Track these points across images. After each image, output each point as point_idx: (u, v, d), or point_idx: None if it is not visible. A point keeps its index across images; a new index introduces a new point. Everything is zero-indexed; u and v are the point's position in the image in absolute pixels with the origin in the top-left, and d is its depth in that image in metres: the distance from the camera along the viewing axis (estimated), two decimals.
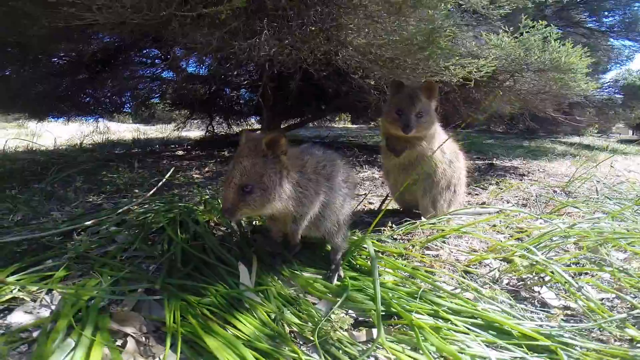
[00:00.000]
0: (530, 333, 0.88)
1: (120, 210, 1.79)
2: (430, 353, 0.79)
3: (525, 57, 2.49)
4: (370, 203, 2.41)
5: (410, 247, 1.48)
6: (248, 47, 1.77)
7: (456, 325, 0.89)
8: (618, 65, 7.56)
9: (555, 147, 6.12)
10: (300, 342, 0.85)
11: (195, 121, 6.55)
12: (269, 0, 1.57)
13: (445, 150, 1.87)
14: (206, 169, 3.47)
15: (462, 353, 0.82)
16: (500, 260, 1.43)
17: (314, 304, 1.00)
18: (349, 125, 11.72)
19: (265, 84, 3.34)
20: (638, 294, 1.14)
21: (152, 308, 0.94)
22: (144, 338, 0.81)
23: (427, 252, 1.51)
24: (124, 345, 0.75)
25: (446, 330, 0.86)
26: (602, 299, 1.15)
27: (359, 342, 0.84)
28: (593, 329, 0.97)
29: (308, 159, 1.16)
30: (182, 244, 1.22)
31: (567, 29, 6.12)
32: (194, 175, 3.18)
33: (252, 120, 6.82)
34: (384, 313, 0.94)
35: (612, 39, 6.97)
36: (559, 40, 2.43)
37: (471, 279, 1.26)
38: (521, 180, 3.22)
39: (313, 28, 1.78)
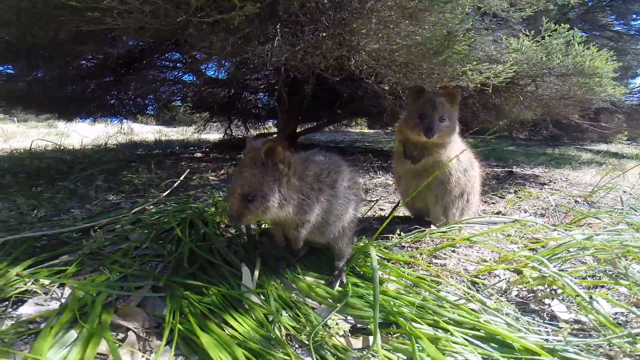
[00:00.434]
0: (533, 347, 0.84)
1: (135, 210, 1.85)
2: None
3: (547, 61, 2.40)
4: (381, 209, 2.38)
5: (418, 256, 1.45)
6: (261, 52, 1.80)
7: (455, 336, 0.86)
8: None
9: (581, 154, 5.85)
10: (296, 346, 0.85)
11: (215, 124, 6.72)
12: (281, 6, 1.60)
13: (460, 158, 1.83)
14: (222, 172, 3.54)
15: None
16: (511, 271, 1.38)
17: (314, 308, 1.00)
18: (366, 130, 11.67)
19: (281, 88, 3.38)
20: None
21: (156, 305, 0.97)
22: (145, 333, 0.83)
23: (435, 260, 1.48)
24: (124, 340, 0.78)
25: (445, 341, 0.84)
26: (616, 313, 1.09)
27: (354, 349, 0.83)
28: (602, 344, 0.92)
29: (311, 166, 1.17)
30: (189, 244, 1.25)
31: (592, 32, 5.88)
32: (209, 177, 3.25)
33: (270, 123, 6.93)
34: (382, 321, 0.92)
35: None
36: (582, 44, 2.33)
37: (479, 290, 1.23)
38: (541, 189, 3.10)
39: (325, 34, 1.79)
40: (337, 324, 0.85)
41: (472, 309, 1.05)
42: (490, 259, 1.52)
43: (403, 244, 1.63)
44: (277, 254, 1.31)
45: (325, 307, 0.99)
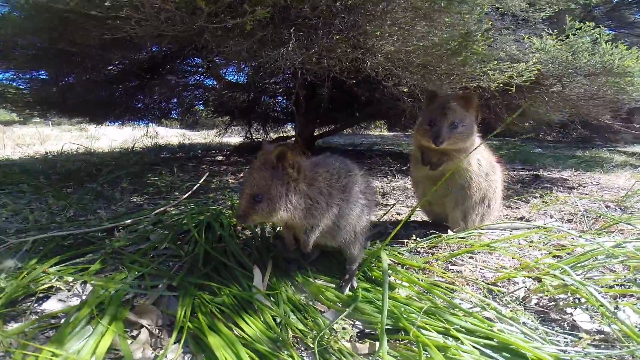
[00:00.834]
0: (548, 358, 0.80)
1: (156, 212, 1.92)
2: None
3: (573, 60, 2.29)
4: (399, 214, 2.35)
5: (433, 261, 1.42)
6: (276, 56, 1.83)
7: (465, 345, 0.83)
8: None
9: (613, 157, 5.51)
10: (302, 349, 0.85)
11: (236, 127, 6.86)
12: (293, 10, 1.62)
13: (481, 162, 1.77)
14: (241, 175, 3.61)
15: None
16: (533, 279, 1.32)
17: (323, 312, 0.99)
18: (385, 133, 11.55)
19: (297, 91, 3.41)
20: None
21: (171, 303, 1.00)
22: (158, 331, 0.86)
23: (451, 267, 1.44)
24: (137, 336, 0.81)
25: (454, 350, 0.81)
26: None
27: (360, 354, 0.83)
28: (625, 355, 0.86)
29: (321, 170, 1.17)
30: (204, 245, 1.28)
31: (620, 30, 5.54)
32: (229, 180, 3.32)
33: (289, 127, 7.00)
34: (391, 327, 0.91)
35: None
36: (610, 42, 2.21)
37: (495, 298, 1.18)
38: (569, 193, 2.95)
39: (338, 37, 1.79)
40: (343, 328, 0.84)
41: (487, 318, 1.02)
42: (510, 266, 1.47)
43: (419, 250, 1.60)
44: (290, 256, 1.32)
45: (334, 311, 0.98)
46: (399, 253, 1.44)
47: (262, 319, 0.91)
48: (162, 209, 2.00)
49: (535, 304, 1.17)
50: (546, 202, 2.57)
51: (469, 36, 1.97)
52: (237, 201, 2.17)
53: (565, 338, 0.96)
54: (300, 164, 1.09)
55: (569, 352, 0.86)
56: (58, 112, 4.28)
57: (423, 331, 0.87)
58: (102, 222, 1.78)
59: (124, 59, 3.43)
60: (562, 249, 1.59)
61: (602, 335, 0.99)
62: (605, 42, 2.17)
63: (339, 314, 0.94)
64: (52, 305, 0.94)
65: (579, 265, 1.34)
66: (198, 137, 8.76)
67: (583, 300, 1.12)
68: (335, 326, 0.87)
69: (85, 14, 1.60)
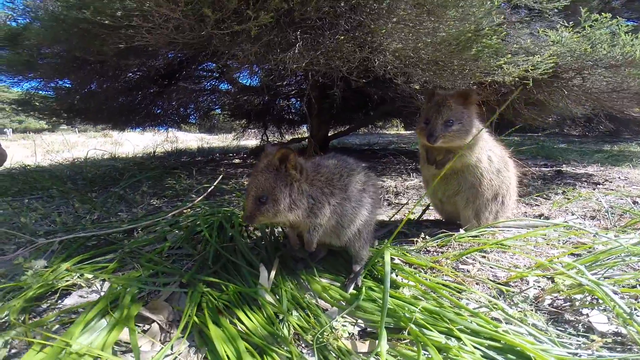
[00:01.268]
0: None
1: (173, 213, 2.00)
2: None
3: (592, 52, 2.19)
4: (412, 212, 2.32)
5: (443, 260, 1.41)
6: (283, 58, 1.86)
7: (467, 346, 0.82)
8: None
9: None
10: (302, 345, 0.87)
11: (253, 130, 6.98)
12: (297, 13, 1.64)
13: (492, 158, 1.73)
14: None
15: None
16: (548, 278, 1.28)
17: (326, 310, 1.01)
18: (402, 132, 11.41)
19: (309, 93, 3.44)
20: None
21: (181, 300, 1.04)
22: (168, 326, 0.91)
23: (461, 266, 1.42)
24: (148, 330, 0.85)
25: (455, 350, 0.81)
26: None
27: (360, 353, 0.83)
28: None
29: (322, 170, 1.19)
30: (215, 245, 1.33)
31: None
32: (244, 183, 3.39)
33: (304, 128, 7.05)
34: (393, 326, 0.91)
35: None
36: (630, 33, 2.10)
37: (506, 298, 1.16)
38: (594, 189, 2.82)
39: (343, 37, 1.80)
40: (343, 326, 0.85)
41: (495, 318, 1.00)
42: (524, 266, 1.43)
43: (429, 249, 1.58)
44: (297, 256, 1.34)
45: (336, 309, 1.00)
46: (407, 252, 1.43)
47: (265, 315, 0.93)
48: (179, 210, 2.08)
49: (549, 305, 1.14)
50: (568, 199, 2.47)
51: (477, 30, 1.94)
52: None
53: (578, 340, 0.93)
54: (302, 165, 1.12)
55: (580, 355, 0.83)
56: (83, 119, 4.50)
57: (425, 331, 0.87)
58: (122, 224, 1.87)
59: (141, 66, 3.57)
60: (582, 247, 1.53)
61: (619, 338, 0.95)
62: (625, 34, 2.07)
63: (340, 312, 0.95)
64: (72, 300, 1.01)
65: (597, 263, 1.29)
66: (216, 140, 8.97)
67: (600, 300, 1.08)
68: (335, 324, 0.88)
69: (99, 23, 1.69)
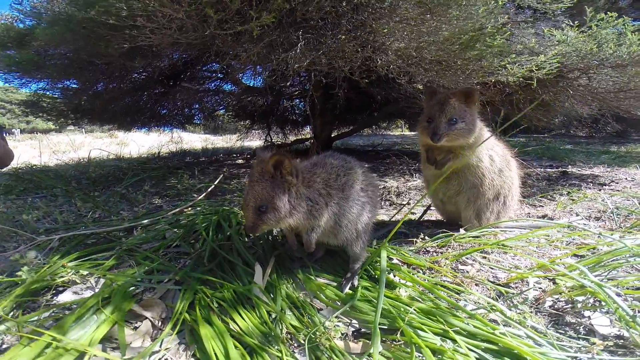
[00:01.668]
0: None
1: (172, 212, 2.01)
2: None
3: (598, 52, 2.16)
4: (412, 213, 2.31)
5: (442, 261, 1.39)
6: (285, 58, 1.86)
7: (462, 348, 0.80)
8: None
9: None
10: (295, 345, 0.86)
11: (257, 131, 7.01)
12: (298, 13, 1.64)
13: (494, 157, 1.70)
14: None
15: None
16: (549, 279, 1.26)
17: (320, 310, 1.00)
18: (407, 132, 11.36)
19: (312, 93, 3.44)
20: None
21: (176, 297, 1.04)
22: (160, 323, 0.90)
23: (461, 267, 1.40)
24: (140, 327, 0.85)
25: (450, 353, 0.79)
26: None
27: (353, 354, 0.82)
28: None
29: (318, 171, 1.17)
30: (211, 243, 1.33)
31: None
32: (246, 182, 3.39)
33: (307, 129, 7.05)
34: (387, 327, 0.89)
35: None
36: (637, 32, 2.07)
37: (506, 300, 1.13)
38: (600, 190, 2.78)
39: (345, 36, 1.79)
40: (335, 326, 0.84)
41: (493, 320, 0.98)
42: (525, 267, 1.40)
43: (428, 249, 1.56)
44: (295, 255, 1.33)
45: (331, 309, 0.98)
46: (405, 252, 1.41)
47: (258, 313, 0.92)
48: (179, 209, 2.09)
49: (550, 307, 1.11)
50: (573, 200, 2.44)
51: (480, 29, 1.91)
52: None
53: (578, 343, 0.90)
54: (298, 168, 1.11)
55: (580, 359, 0.80)
56: (89, 119, 4.55)
57: (420, 332, 0.85)
58: (123, 223, 1.88)
59: (146, 67, 3.60)
60: (585, 248, 1.50)
61: (621, 341, 0.92)
62: (632, 33, 2.04)
63: (334, 312, 0.93)
64: (67, 297, 1.01)
65: (601, 265, 1.26)
66: (221, 141, 9.02)
67: (603, 302, 1.05)
68: (329, 324, 0.86)
69: (104, 23, 1.70)
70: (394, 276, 1.20)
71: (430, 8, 1.64)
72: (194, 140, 8.81)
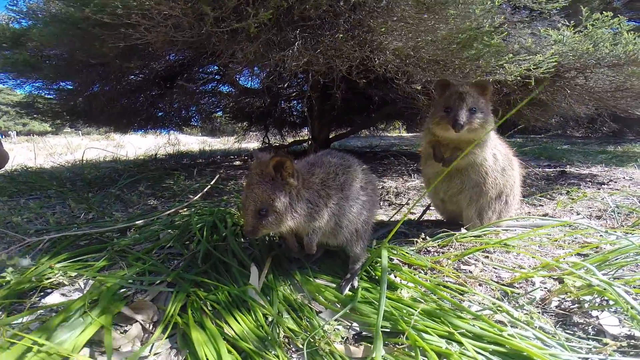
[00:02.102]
0: None
1: (167, 212, 1.96)
2: None
3: (594, 51, 2.15)
4: (412, 213, 2.28)
5: (444, 261, 1.35)
6: (282, 57, 1.83)
7: (469, 351, 0.77)
8: None
9: None
10: (293, 350, 0.82)
11: (255, 133, 6.98)
12: (296, 11, 1.61)
13: (497, 156, 1.67)
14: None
15: None
16: (554, 279, 1.23)
17: (319, 312, 0.96)
18: (404, 134, 11.37)
19: (310, 94, 3.41)
20: None
21: (168, 300, 1.00)
22: (151, 326, 0.86)
23: (463, 267, 1.36)
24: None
25: (457, 356, 0.75)
26: None
27: (354, 358, 0.78)
28: None
29: (316, 171, 1.14)
30: (205, 243, 1.29)
31: None
32: (243, 184, 3.36)
33: (305, 131, 7.03)
34: (389, 330, 0.85)
35: None
36: (632, 32, 2.06)
37: (511, 300, 1.10)
38: (599, 189, 2.76)
39: (342, 35, 1.76)
40: (335, 329, 0.80)
41: (499, 321, 0.94)
42: (529, 266, 1.37)
43: (429, 249, 1.53)
44: (292, 256, 1.30)
45: (331, 311, 0.94)
46: (406, 252, 1.37)
47: (254, 316, 0.88)
48: (174, 209, 2.04)
49: (556, 307, 1.08)
50: (572, 199, 2.42)
51: (477, 28, 1.90)
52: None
53: (588, 344, 0.87)
54: (297, 169, 1.07)
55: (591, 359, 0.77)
56: (85, 121, 4.50)
57: (424, 335, 0.81)
58: (115, 223, 1.83)
59: (142, 69, 3.57)
60: (589, 247, 1.47)
61: (632, 341, 0.89)
62: (627, 32, 2.03)
63: (334, 315, 0.90)
64: (54, 298, 0.97)
65: (606, 263, 1.23)
66: (218, 143, 8.97)
67: (611, 302, 1.02)
68: (328, 327, 0.82)
69: (99, 22, 1.67)
70: (395, 277, 1.17)
71: (428, 7, 1.62)
72: (191, 142, 8.76)
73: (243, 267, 1.19)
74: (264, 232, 1.06)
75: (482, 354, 0.78)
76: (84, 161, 4.42)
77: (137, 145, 6.92)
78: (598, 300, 1.07)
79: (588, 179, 3.17)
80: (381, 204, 2.53)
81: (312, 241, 1.13)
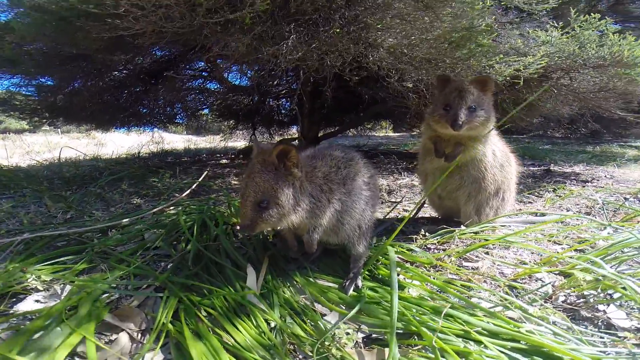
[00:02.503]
0: None
1: (153, 211, 1.85)
2: None
3: (580, 52, 2.19)
4: (405, 210, 2.25)
5: (445, 258, 1.32)
6: (276, 52, 1.76)
7: (490, 349, 0.72)
8: None
9: (626, 151, 5.33)
10: (300, 357, 0.75)
11: (241, 131, 6.84)
12: (292, 4, 1.55)
13: (496, 152, 1.66)
14: (244, 176, 3.53)
15: None
16: (556, 274, 1.21)
17: (324, 315, 0.89)
18: (391, 134, 11.45)
19: (300, 91, 3.34)
20: None
21: (157, 305, 0.91)
22: (140, 335, 0.77)
23: (465, 263, 1.33)
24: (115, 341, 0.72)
25: (477, 355, 0.71)
26: None
27: None
28: None
29: (319, 164, 1.07)
30: (196, 243, 1.20)
31: (626, 24, 5.41)
32: (231, 182, 3.26)
33: (293, 129, 6.95)
34: (401, 331, 0.80)
35: None
36: (617, 34, 2.12)
37: (517, 296, 1.07)
38: (583, 187, 2.82)
39: (338, 30, 1.71)
40: (347, 333, 0.74)
41: (510, 318, 0.91)
42: (530, 261, 1.35)
43: (429, 246, 1.49)
44: (290, 255, 1.23)
45: (336, 313, 0.88)
46: (407, 250, 1.33)
47: (255, 323, 0.81)
48: (159, 208, 1.93)
49: (563, 302, 1.06)
50: (560, 196, 2.45)
51: (472, 28, 1.89)
52: (236, 201, 2.10)
53: (602, 338, 0.85)
54: (302, 161, 1.00)
55: (609, 354, 0.74)
56: (65, 118, 4.29)
57: (439, 335, 0.77)
58: (97, 223, 1.71)
59: (127, 63, 3.41)
60: (583, 242, 1.47)
61: None
62: (613, 34, 2.08)
63: (342, 317, 0.83)
64: (27, 305, 0.86)
65: (606, 258, 1.23)
66: (204, 142, 8.77)
67: (616, 295, 1.01)
68: (337, 331, 0.76)
69: (84, 13, 1.55)
70: (399, 275, 1.12)
71: (426, 4, 1.58)
72: (175, 140, 8.52)
73: (237, 268, 1.11)
74: (262, 228, 0.97)
75: (503, 352, 0.74)
76: (63, 160, 4.20)
77: (119, 143, 6.66)
78: (603, 294, 1.06)
79: (572, 177, 3.25)
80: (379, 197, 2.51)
81: (313, 239, 1.06)
